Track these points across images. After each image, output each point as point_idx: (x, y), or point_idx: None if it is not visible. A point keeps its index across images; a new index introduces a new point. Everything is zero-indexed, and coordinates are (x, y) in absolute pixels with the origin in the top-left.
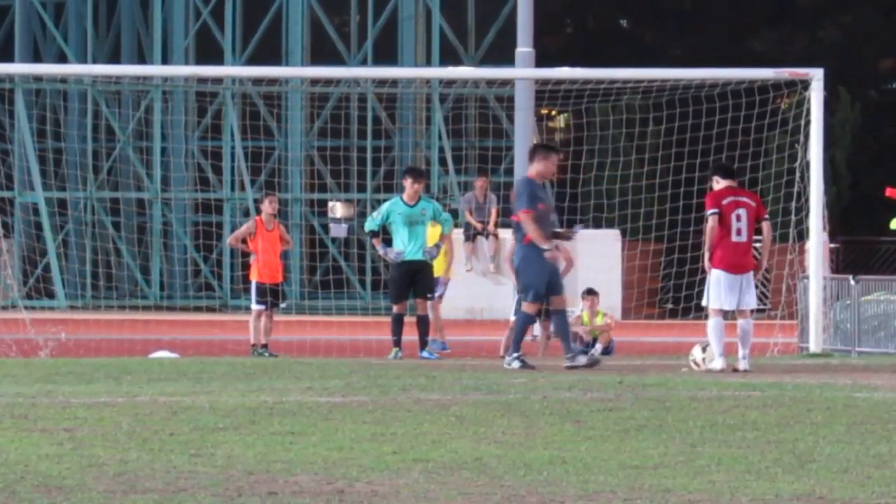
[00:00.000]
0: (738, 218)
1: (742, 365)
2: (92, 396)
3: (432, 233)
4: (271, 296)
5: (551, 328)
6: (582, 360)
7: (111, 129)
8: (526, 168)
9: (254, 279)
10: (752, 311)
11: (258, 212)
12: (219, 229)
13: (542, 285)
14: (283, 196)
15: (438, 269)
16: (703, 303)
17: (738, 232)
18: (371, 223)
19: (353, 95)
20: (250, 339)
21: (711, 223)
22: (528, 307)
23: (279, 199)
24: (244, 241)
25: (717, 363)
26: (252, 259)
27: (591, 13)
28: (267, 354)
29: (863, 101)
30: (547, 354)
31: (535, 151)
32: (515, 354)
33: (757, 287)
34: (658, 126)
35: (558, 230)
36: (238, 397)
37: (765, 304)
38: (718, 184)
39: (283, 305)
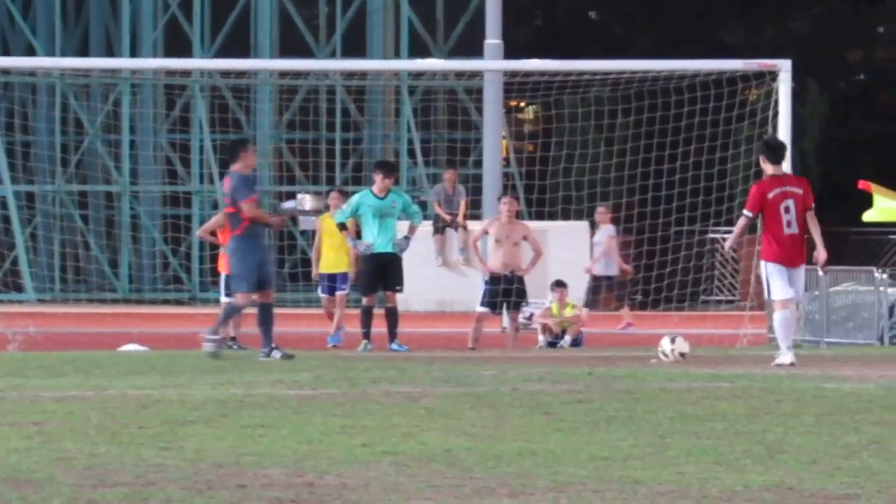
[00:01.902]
0: (787, 210)
1: (788, 357)
2: (61, 390)
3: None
4: None
5: (257, 317)
6: (277, 354)
7: (80, 122)
8: (493, 159)
9: (223, 271)
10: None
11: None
12: (187, 222)
13: (254, 276)
14: None
15: (342, 265)
16: (766, 297)
17: (789, 224)
18: (340, 215)
19: (321, 88)
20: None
21: (742, 223)
22: (240, 298)
23: None
24: (213, 233)
25: (787, 357)
26: (221, 251)
27: (560, 5)
28: (236, 347)
29: (832, 92)
30: (517, 346)
31: (234, 150)
32: (213, 338)
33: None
34: (627, 118)
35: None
36: (207, 390)
37: (734, 296)
38: (764, 164)
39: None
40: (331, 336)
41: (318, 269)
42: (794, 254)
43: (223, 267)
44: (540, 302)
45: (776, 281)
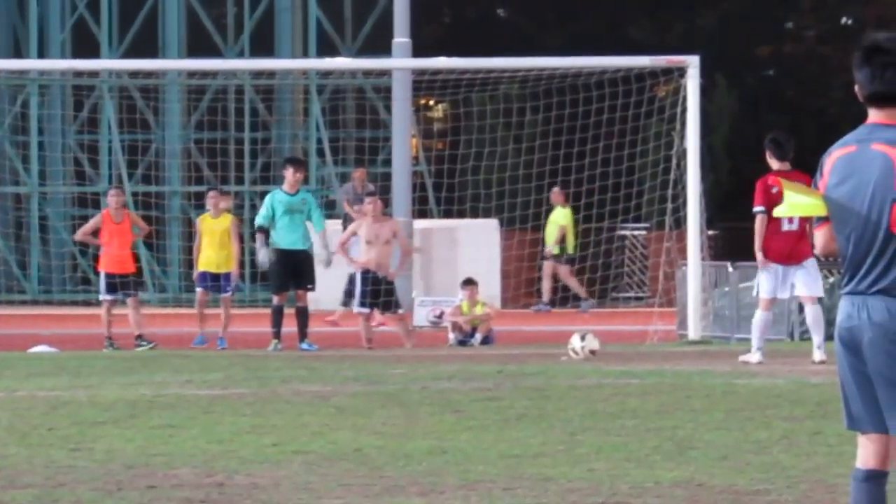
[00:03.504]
0: None
1: (819, 355)
2: None
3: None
4: (122, 288)
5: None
6: None
7: None
8: (402, 158)
9: (102, 270)
10: (818, 299)
11: (135, 206)
12: None
13: None
14: (161, 189)
15: (226, 264)
16: (754, 293)
17: (790, 220)
18: (260, 219)
19: (230, 87)
20: (104, 331)
21: (759, 222)
22: None
23: (126, 191)
24: (95, 234)
25: (755, 356)
26: (101, 251)
27: (468, 3)
28: (146, 345)
29: (741, 87)
30: (417, 344)
31: None
32: None
33: None
34: (536, 115)
35: None
36: (117, 391)
37: (644, 292)
38: (770, 160)
39: (143, 295)
40: (201, 337)
41: (198, 267)
42: (791, 251)
43: (102, 265)
44: (451, 300)
45: (763, 280)
